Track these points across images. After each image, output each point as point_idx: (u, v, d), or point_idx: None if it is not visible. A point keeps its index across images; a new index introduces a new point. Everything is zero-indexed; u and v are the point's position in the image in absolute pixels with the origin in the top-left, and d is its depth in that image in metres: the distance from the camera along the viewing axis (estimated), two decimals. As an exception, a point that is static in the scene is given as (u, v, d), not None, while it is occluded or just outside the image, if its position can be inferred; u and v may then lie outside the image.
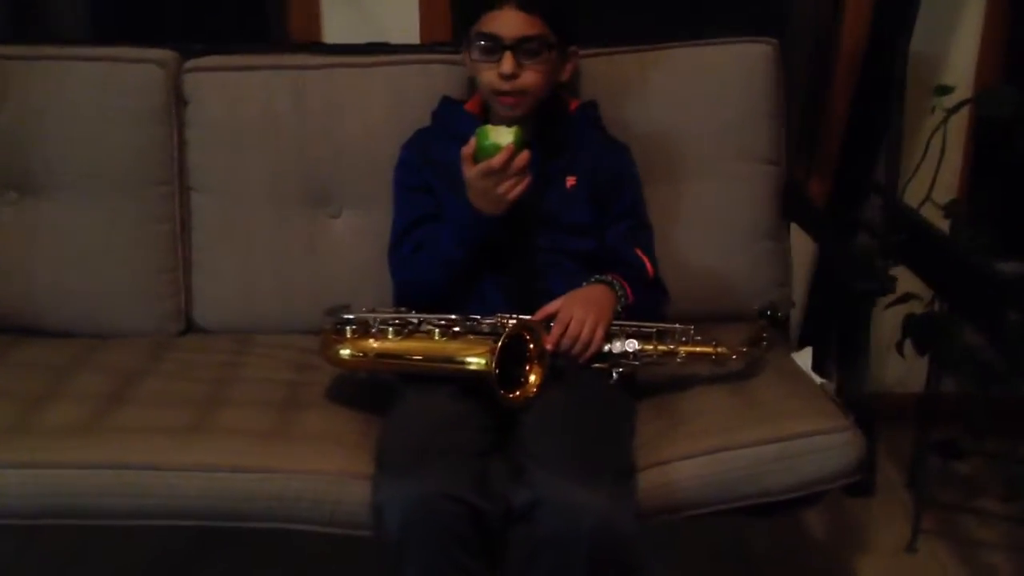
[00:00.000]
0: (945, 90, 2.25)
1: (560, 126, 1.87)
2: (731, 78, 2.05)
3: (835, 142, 2.38)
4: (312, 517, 1.55)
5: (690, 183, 2.05)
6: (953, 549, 2.21)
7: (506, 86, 1.74)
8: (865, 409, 1.66)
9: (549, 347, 1.62)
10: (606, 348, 1.67)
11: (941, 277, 1.98)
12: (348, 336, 1.67)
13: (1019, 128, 2.12)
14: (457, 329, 1.63)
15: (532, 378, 1.60)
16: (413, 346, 1.64)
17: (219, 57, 2.08)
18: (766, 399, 1.68)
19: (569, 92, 1.96)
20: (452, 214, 1.75)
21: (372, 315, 1.69)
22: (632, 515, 1.46)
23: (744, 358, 1.74)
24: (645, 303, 1.77)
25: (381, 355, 1.66)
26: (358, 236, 2.05)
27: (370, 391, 1.75)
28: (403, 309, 1.71)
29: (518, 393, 1.58)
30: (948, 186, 2.39)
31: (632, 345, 1.67)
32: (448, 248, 1.74)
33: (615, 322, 1.69)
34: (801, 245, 2.17)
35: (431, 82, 2.02)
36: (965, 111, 2.29)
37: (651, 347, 1.68)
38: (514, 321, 1.61)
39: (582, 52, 1.91)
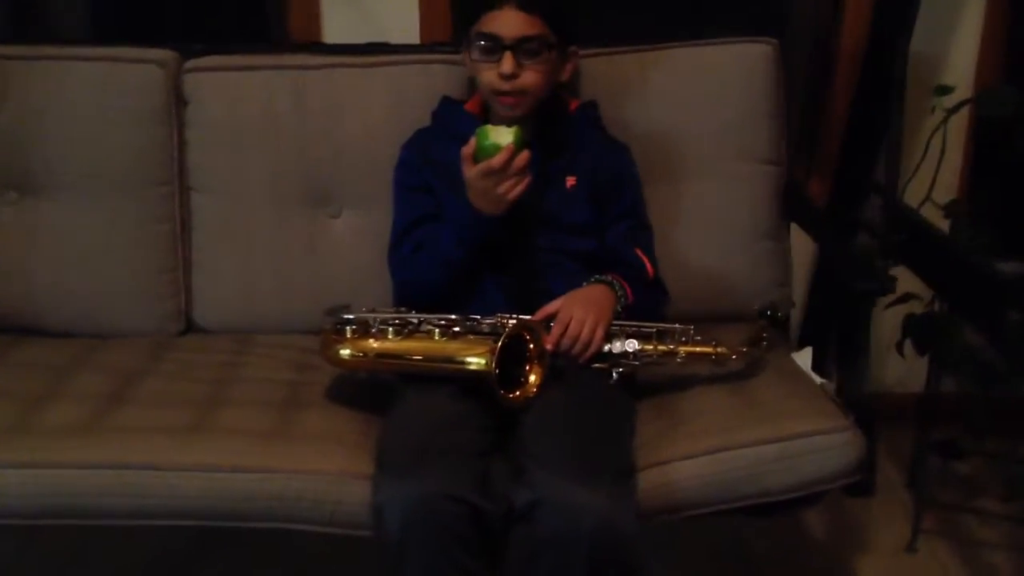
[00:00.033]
0: (945, 90, 2.25)
1: (560, 126, 1.87)
2: (731, 78, 2.05)
3: (835, 142, 2.38)
4: (312, 517, 1.55)
5: (690, 183, 2.05)
6: (953, 549, 2.21)
7: (506, 86, 1.74)
8: (865, 409, 1.66)
9: (549, 347, 1.62)
10: (606, 348, 1.66)
11: (941, 277, 1.98)
12: (348, 336, 1.67)
13: (1019, 128, 2.12)
14: (457, 329, 1.62)
15: (532, 378, 1.59)
16: (413, 346, 1.63)
17: (219, 57, 2.08)
18: (766, 399, 1.68)
19: (569, 92, 1.96)
20: (452, 214, 1.75)
21: (372, 315, 1.69)
22: (632, 515, 1.46)
23: (744, 358, 1.74)
24: (645, 303, 1.76)
25: (381, 355, 1.66)
26: (358, 236, 2.05)
27: (370, 391, 1.75)
28: (403, 309, 1.71)
29: (518, 393, 1.58)
30: (948, 186, 2.39)
31: (632, 345, 1.67)
32: (448, 248, 1.74)
33: (615, 322, 1.69)
34: (801, 245, 2.17)
35: (431, 82, 2.02)
36: (965, 111, 2.29)
37: (651, 347, 1.67)
38: (514, 321, 1.61)
39: (582, 52, 1.91)
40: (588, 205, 1.84)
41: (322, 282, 2.04)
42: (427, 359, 1.63)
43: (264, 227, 2.06)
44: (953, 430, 2.35)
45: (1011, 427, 2.36)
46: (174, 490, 1.55)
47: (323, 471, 1.55)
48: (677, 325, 1.70)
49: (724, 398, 1.70)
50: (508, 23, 1.72)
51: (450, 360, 1.60)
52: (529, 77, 1.74)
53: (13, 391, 1.77)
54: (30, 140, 2.03)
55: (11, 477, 1.56)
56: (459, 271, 1.76)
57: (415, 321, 1.66)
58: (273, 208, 2.05)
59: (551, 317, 1.67)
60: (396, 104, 2.02)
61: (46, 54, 2.06)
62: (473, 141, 1.65)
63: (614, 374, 1.67)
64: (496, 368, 1.51)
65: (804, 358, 1.82)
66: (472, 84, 1.93)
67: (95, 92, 2.02)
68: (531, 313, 1.67)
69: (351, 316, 1.69)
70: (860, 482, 1.59)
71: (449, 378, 1.61)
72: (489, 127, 1.65)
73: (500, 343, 1.51)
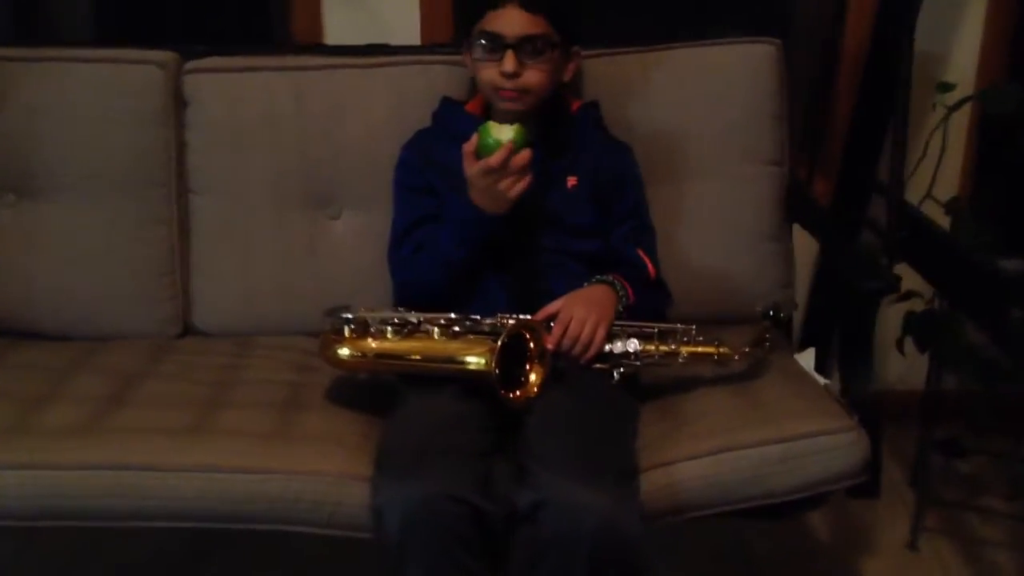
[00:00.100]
0: (946, 87, 2.25)
1: (562, 126, 1.87)
2: (734, 79, 2.04)
3: (839, 142, 2.37)
4: (311, 519, 1.54)
5: (693, 184, 2.04)
6: (956, 547, 2.21)
7: (508, 84, 1.73)
8: (870, 409, 1.65)
9: (550, 347, 1.61)
10: (607, 348, 1.66)
11: (943, 275, 1.97)
12: (347, 336, 1.66)
13: (1023, 125, 2.11)
14: (457, 329, 1.61)
15: (533, 378, 1.58)
16: (413, 346, 1.62)
17: (219, 58, 2.07)
18: (770, 400, 1.67)
19: (572, 92, 1.95)
20: (454, 214, 1.74)
21: (371, 315, 1.68)
22: (636, 516, 1.45)
23: (747, 359, 1.73)
24: (647, 304, 1.76)
25: (380, 355, 1.65)
26: (359, 237, 2.04)
27: (371, 393, 1.74)
28: (402, 309, 1.70)
29: (519, 393, 1.57)
30: (949, 183, 2.39)
31: (633, 345, 1.66)
32: (449, 248, 1.73)
33: (616, 322, 1.68)
34: (802, 246, 2.16)
35: (432, 83, 2.01)
36: (967, 108, 2.28)
37: (653, 347, 1.67)
38: (514, 321, 1.60)
39: (585, 53, 1.90)
40: (590, 206, 1.83)
41: (322, 284, 2.03)
42: (427, 359, 1.62)
43: (264, 228, 2.05)
44: (955, 428, 2.35)
45: (1014, 425, 2.35)
46: (173, 491, 1.54)
47: (323, 472, 1.55)
48: (679, 325, 1.69)
49: (727, 399, 1.69)
50: (511, 22, 1.72)
51: (450, 360, 1.58)
52: (531, 76, 1.74)
53: (12, 393, 1.76)
54: (29, 141, 2.02)
55: (9, 478, 1.56)
56: (460, 271, 1.75)
57: (415, 321, 1.65)
58: (273, 209, 2.05)
59: (552, 317, 1.66)
60: (397, 105, 2.02)
61: (45, 55, 2.05)
62: (475, 138, 1.64)
63: (616, 374, 1.66)
64: (496, 368, 1.50)
65: (807, 359, 1.81)
66: (473, 85, 1.92)
67: (94, 93, 2.02)
68: (533, 314, 1.66)
69: (350, 316, 1.68)
70: (865, 484, 1.58)
71: (449, 378, 1.60)
72: (491, 124, 1.64)
73: (500, 342, 1.50)
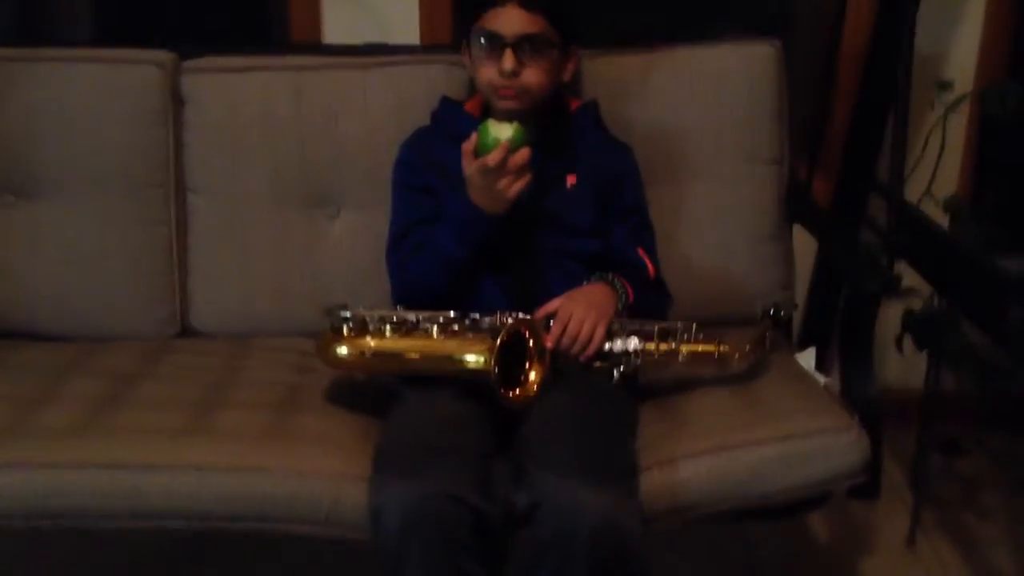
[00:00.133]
0: (945, 86, 2.25)
1: (561, 126, 1.86)
2: (734, 79, 2.04)
3: (839, 141, 2.37)
4: (309, 518, 1.52)
5: (693, 184, 2.04)
6: (955, 546, 2.21)
7: (507, 83, 1.73)
8: (870, 409, 1.64)
9: (549, 345, 1.60)
10: (607, 347, 1.65)
11: (941, 273, 1.96)
12: (345, 335, 1.65)
13: (1021, 123, 2.11)
14: (456, 327, 1.61)
15: (532, 376, 1.57)
16: (411, 344, 1.61)
17: (217, 58, 2.07)
18: (770, 399, 1.66)
19: (571, 93, 1.95)
20: (453, 213, 1.73)
21: (370, 313, 1.67)
22: (636, 515, 1.45)
23: (747, 358, 1.72)
24: (647, 304, 1.75)
25: (378, 353, 1.63)
26: (357, 238, 2.04)
27: (369, 394, 1.73)
28: (400, 308, 1.69)
29: (518, 392, 1.56)
30: (948, 181, 2.39)
31: (633, 343, 1.65)
32: (449, 247, 1.73)
33: (615, 320, 1.67)
34: (801, 245, 2.15)
35: (431, 83, 2.00)
36: (966, 107, 2.28)
37: (652, 346, 1.66)
38: (513, 319, 1.59)
39: (585, 53, 1.90)
40: (590, 206, 1.82)
41: (320, 284, 2.03)
42: (425, 357, 1.61)
43: (262, 228, 2.04)
44: (954, 428, 2.35)
45: (1013, 424, 2.34)
46: (169, 490, 1.53)
47: (320, 472, 1.54)
48: (679, 322, 1.68)
49: (727, 398, 1.69)
50: (510, 20, 1.71)
51: (449, 358, 1.57)
52: (530, 75, 1.73)
53: (8, 394, 1.75)
54: (26, 142, 2.02)
55: (4, 477, 1.55)
56: (460, 271, 1.74)
57: (413, 319, 1.64)
58: (271, 210, 2.04)
59: (551, 315, 1.66)
60: (395, 105, 2.01)
61: (43, 56, 2.05)
62: (475, 136, 1.64)
63: (615, 373, 1.65)
64: (495, 366, 1.49)
65: (807, 358, 1.81)
66: (472, 85, 1.92)
67: (92, 93, 2.01)
68: (532, 314, 1.66)
69: (348, 314, 1.67)
70: (865, 484, 1.58)
71: (448, 377, 1.59)
72: (491, 122, 1.64)
73: (499, 341, 1.49)
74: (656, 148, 2.00)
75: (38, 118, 2.01)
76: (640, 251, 1.83)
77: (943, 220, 2.28)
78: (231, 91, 2.04)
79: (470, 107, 1.89)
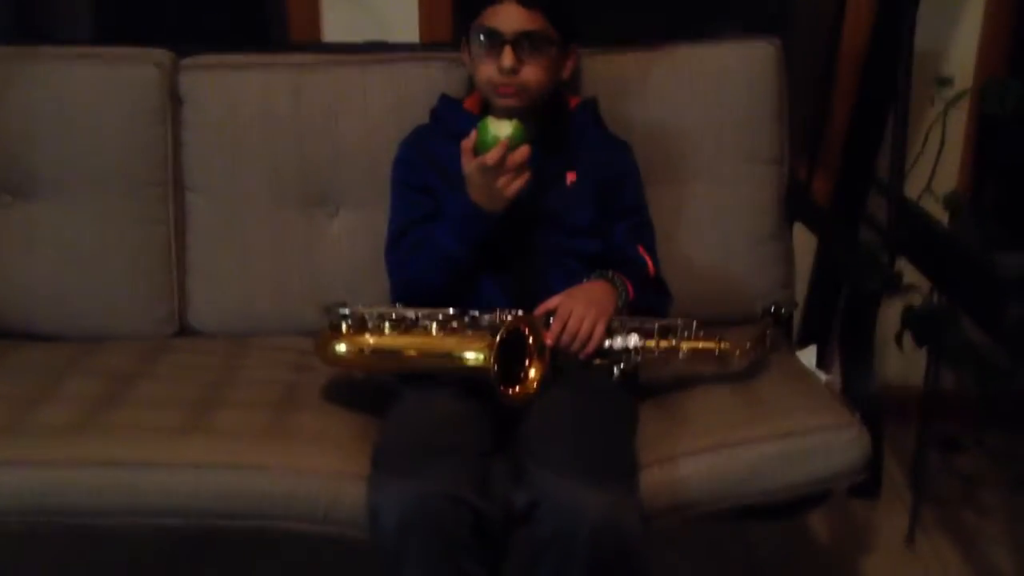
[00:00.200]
0: (945, 82, 2.24)
1: (560, 124, 1.86)
2: (734, 78, 2.04)
3: (838, 140, 2.37)
4: (307, 516, 1.52)
5: (693, 184, 2.04)
6: (954, 544, 2.21)
7: (506, 80, 1.72)
8: (871, 406, 1.64)
9: (549, 342, 1.60)
10: (607, 344, 1.64)
11: (941, 270, 1.96)
12: (344, 332, 1.65)
13: (1021, 120, 2.11)
14: (455, 324, 1.60)
15: (532, 373, 1.57)
16: (410, 341, 1.61)
17: (215, 56, 2.06)
18: (770, 397, 1.66)
19: (570, 92, 1.94)
20: (453, 211, 1.73)
21: (368, 311, 1.66)
22: (636, 514, 1.44)
23: (748, 356, 1.71)
24: (647, 302, 1.75)
25: (377, 351, 1.63)
26: (356, 236, 2.03)
27: (368, 393, 1.73)
28: (399, 305, 1.69)
29: (517, 389, 1.55)
30: (948, 178, 2.39)
31: (633, 341, 1.64)
32: (448, 245, 1.72)
33: (615, 318, 1.66)
34: (801, 243, 2.15)
35: (430, 82, 2.00)
36: (965, 103, 2.28)
37: (653, 343, 1.65)
38: (512, 316, 1.59)
39: (585, 52, 1.90)
40: (590, 204, 1.82)
41: (319, 282, 2.02)
42: (424, 355, 1.60)
43: (261, 227, 2.04)
44: (953, 425, 2.35)
45: (1012, 422, 2.34)
46: (166, 488, 1.53)
47: (318, 470, 1.54)
48: (679, 319, 1.68)
49: (728, 396, 1.68)
50: (509, 17, 1.71)
51: (448, 355, 1.57)
52: (529, 72, 1.73)
53: (6, 393, 1.75)
54: (24, 141, 2.01)
55: (2, 476, 1.54)
56: (459, 270, 1.73)
57: (412, 317, 1.63)
58: (270, 208, 2.04)
59: (551, 312, 1.65)
60: (395, 104, 2.01)
61: (42, 54, 2.04)
62: (474, 134, 1.63)
63: (615, 371, 1.65)
64: (495, 363, 1.49)
65: (808, 356, 1.81)
66: (471, 83, 1.91)
67: (90, 92, 2.01)
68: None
69: (347, 312, 1.66)
70: (865, 483, 1.57)
71: (447, 375, 1.59)
72: (490, 120, 1.63)
73: (499, 338, 1.49)
74: (656, 147, 1.99)
75: (36, 117, 2.00)
76: (640, 249, 1.82)
77: (943, 216, 2.28)
78: (230, 90, 2.04)
79: (469, 105, 1.89)
